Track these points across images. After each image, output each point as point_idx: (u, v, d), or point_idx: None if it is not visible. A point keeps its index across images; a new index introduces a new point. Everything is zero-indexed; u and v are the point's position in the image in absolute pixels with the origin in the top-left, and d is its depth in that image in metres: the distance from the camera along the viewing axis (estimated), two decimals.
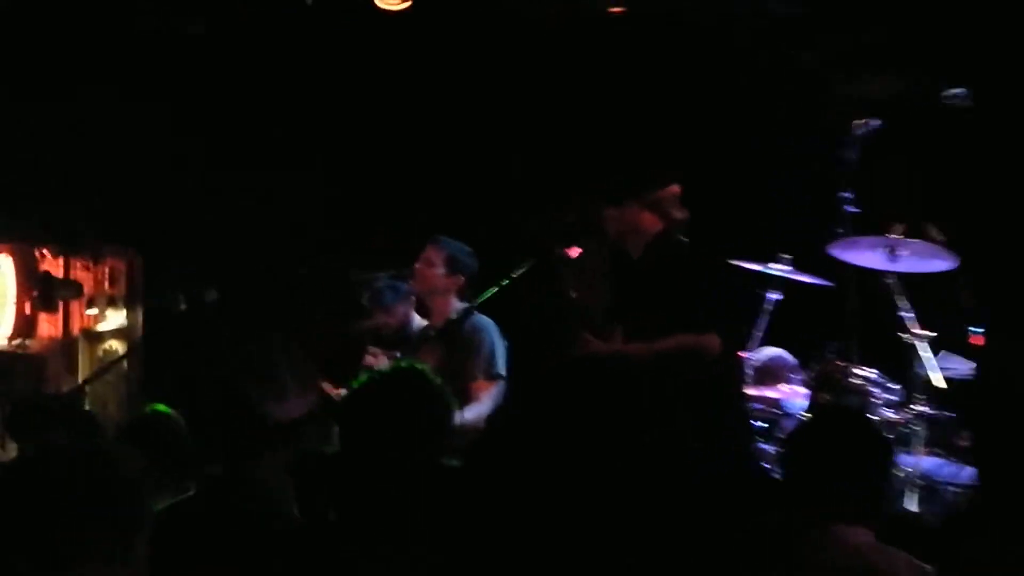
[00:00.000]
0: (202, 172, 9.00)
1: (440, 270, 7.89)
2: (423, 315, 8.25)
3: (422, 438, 4.31)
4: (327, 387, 7.42)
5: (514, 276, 6.87)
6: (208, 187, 9.10)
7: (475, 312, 7.56)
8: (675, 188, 6.71)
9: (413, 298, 8.28)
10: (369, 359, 8.11)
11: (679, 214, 6.72)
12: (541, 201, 7.48)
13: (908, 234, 7.62)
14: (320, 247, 9.23)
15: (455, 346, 7.69)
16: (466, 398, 7.52)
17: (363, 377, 4.43)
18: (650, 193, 6.77)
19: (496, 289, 7.00)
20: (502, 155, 8.98)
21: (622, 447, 4.24)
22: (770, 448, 7.52)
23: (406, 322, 8.19)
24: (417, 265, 7.92)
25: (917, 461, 7.28)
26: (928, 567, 4.59)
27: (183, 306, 7.20)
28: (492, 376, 7.72)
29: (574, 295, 6.93)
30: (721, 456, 6.14)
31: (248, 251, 9.14)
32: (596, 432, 4.20)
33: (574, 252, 6.92)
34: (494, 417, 7.24)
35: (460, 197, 9.44)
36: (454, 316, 7.75)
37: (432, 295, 7.96)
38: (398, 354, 7.98)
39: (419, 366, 4.53)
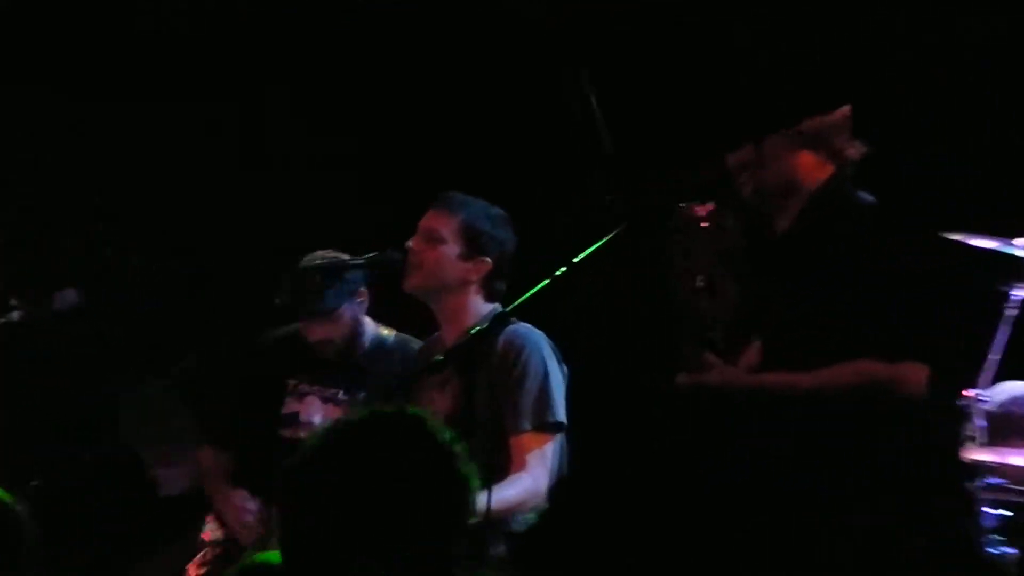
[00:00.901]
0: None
1: (452, 248, 5.12)
2: (414, 325, 5.49)
3: (419, 540, 3.11)
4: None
5: (583, 259, 4.47)
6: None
7: (513, 320, 4.97)
8: (846, 110, 4.65)
9: (365, 295, 5.70)
10: (291, 403, 5.64)
11: (853, 151, 4.61)
12: (628, 145, 4.80)
13: None
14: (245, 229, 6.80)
15: (480, 377, 4.96)
16: (501, 465, 4.89)
17: (312, 438, 3.18)
18: (809, 120, 4.61)
19: (550, 281, 4.50)
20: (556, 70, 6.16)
21: (766, 550, 3.41)
22: (1013, 553, 5.25)
23: (354, 335, 5.65)
24: (411, 242, 5.16)
25: None
26: None
27: (16, 315, 4.70)
28: (545, 425, 4.98)
29: (692, 287, 4.51)
30: (930, 568, 4.38)
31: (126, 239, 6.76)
32: (723, 526, 3.42)
33: (702, 212, 4.53)
34: (554, 496, 4.82)
35: (491, 138, 6.67)
36: (477, 327, 4.88)
37: (438, 292, 5.15)
38: (340, 393, 5.60)
39: (413, 413, 3.20)
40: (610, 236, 4.49)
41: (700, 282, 4.55)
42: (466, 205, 5.17)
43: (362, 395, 5.54)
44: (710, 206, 4.53)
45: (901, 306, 4.44)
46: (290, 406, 5.66)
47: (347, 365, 5.64)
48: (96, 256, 5.53)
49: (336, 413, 5.55)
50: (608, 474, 4.25)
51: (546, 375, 4.99)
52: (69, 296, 5.04)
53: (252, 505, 5.46)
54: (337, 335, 5.62)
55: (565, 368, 5.09)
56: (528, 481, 4.90)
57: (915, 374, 4.42)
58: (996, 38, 6.03)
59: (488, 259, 5.13)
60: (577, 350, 5.14)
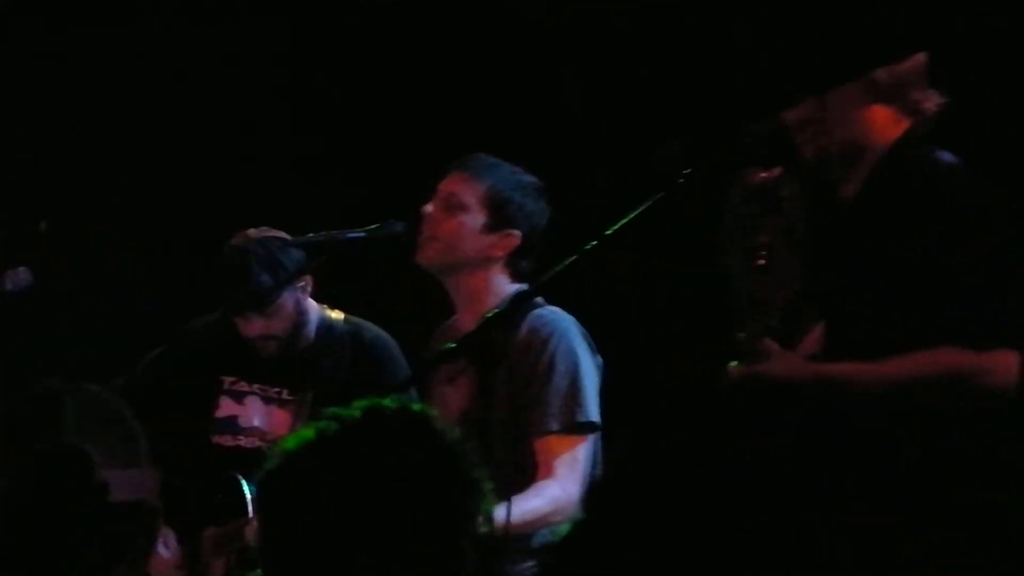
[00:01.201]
0: None
1: (476, 218, 4.44)
2: (433, 307, 4.62)
3: (421, 554, 2.75)
4: None
5: (618, 231, 3.77)
6: None
7: (538, 302, 4.36)
8: (921, 57, 4.02)
9: (308, 280, 4.96)
10: (229, 405, 4.92)
11: (931, 104, 3.99)
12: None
13: None
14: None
15: (501, 368, 4.27)
16: (522, 472, 4.25)
17: (295, 438, 2.76)
18: (882, 68, 3.97)
19: (580, 256, 3.79)
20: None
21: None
22: None
23: (297, 327, 4.93)
24: (429, 207, 4.47)
25: None
26: None
27: None
28: (576, 426, 4.33)
29: (752, 266, 3.91)
30: None
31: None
32: (788, 540, 2.54)
33: (768, 178, 3.92)
34: (590, 504, 3.93)
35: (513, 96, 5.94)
36: (498, 309, 4.23)
37: (455, 269, 4.47)
38: (285, 392, 4.91)
39: (417, 409, 2.78)
40: (649, 204, 3.84)
41: (761, 259, 3.93)
42: (494, 169, 4.48)
43: (310, 394, 4.84)
44: (778, 171, 3.89)
45: (988, 285, 3.81)
46: (226, 408, 4.95)
47: (291, 359, 4.92)
48: (51, 231, 4.88)
49: (282, 416, 4.86)
50: (647, 480, 3.66)
51: (577, 367, 4.34)
52: (22, 275, 4.41)
53: (166, 549, 4.74)
54: (277, 330, 4.89)
55: (599, 359, 4.42)
56: (556, 490, 4.27)
57: (1005, 363, 3.77)
58: None
59: (516, 233, 4.45)
60: (612, 338, 4.45)
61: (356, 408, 2.84)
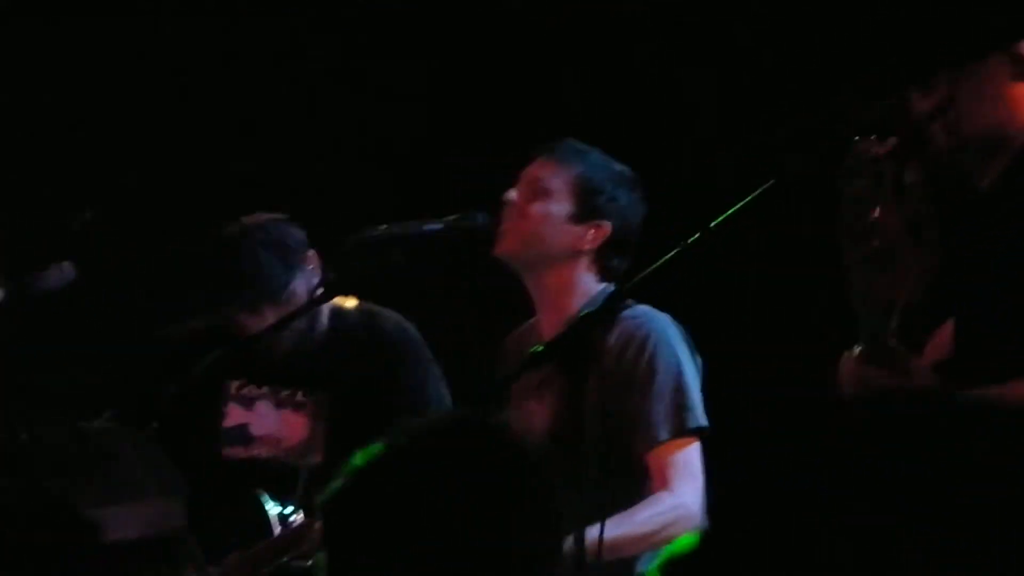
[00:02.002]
0: None
1: (563, 206, 4.05)
2: (503, 311, 4.26)
3: None
4: None
5: (721, 224, 3.36)
6: None
7: (630, 302, 3.95)
8: None
9: (314, 259, 4.47)
10: (237, 413, 4.45)
11: None
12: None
13: None
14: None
15: (592, 377, 3.77)
16: (626, 492, 3.89)
17: (370, 450, 2.54)
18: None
19: (679, 251, 3.41)
20: None
21: None
22: None
23: (312, 318, 4.43)
24: (512, 194, 4.07)
25: None
26: None
27: None
28: (686, 431, 3.97)
29: (866, 253, 3.44)
30: None
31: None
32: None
33: (883, 151, 3.39)
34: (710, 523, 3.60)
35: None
36: (587, 311, 3.85)
37: (539, 262, 4.06)
38: (300, 394, 4.45)
39: (494, 421, 2.59)
40: (756, 194, 3.41)
41: (875, 242, 3.51)
42: (584, 155, 4.09)
43: (327, 391, 4.40)
44: (890, 144, 3.45)
45: None
46: (234, 416, 4.47)
47: (303, 356, 4.44)
48: (93, 226, 4.52)
49: (297, 420, 4.42)
50: (754, 501, 3.28)
51: (680, 370, 3.97)
52: (65, 271, 4.06)
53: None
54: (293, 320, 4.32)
55: (699, 360, 4.06)
56: (672, 499, 3.91)
57: None
58: None
59: (607, 224, 4.05)
60: (712, 340, 4.07)
61: (428, 420, 2.67)
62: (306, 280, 4.39)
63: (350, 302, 4.48)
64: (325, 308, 4.43)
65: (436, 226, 4.14)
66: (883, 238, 3.54)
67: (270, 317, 4.29)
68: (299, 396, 4.44)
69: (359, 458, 2.60)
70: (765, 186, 3.36)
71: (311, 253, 4.41)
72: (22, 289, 4.01)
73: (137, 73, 5.94)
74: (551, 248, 4.02)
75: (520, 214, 4.02)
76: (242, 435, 4.42)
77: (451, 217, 4.13)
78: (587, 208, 4.04)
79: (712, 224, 3.36)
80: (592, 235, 4.03)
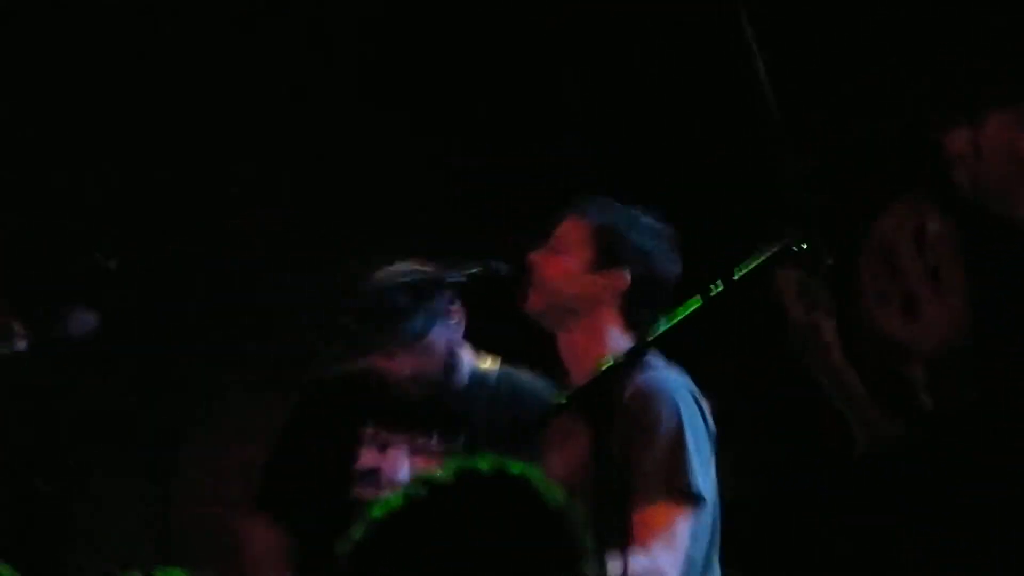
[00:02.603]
0: None
1: (580, 257, 4.00)
2: (542, 361, 4.20)
3: None
4: None
5: (749, 273, 3.32)
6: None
7: (656, 363, 3.89)
8: None
9: (460, 314, 4.48)
10: (368, 456, 4.44)
11: None
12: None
13: None
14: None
15: (607, 428, 3.77)
16: (628, 536, 3.73)
17: (382, 505, 2.53)
18: None
19: (702, 303, 3.37)
20: None
21: None
22: None
23: (449, 368, 4.44)
24: (537, 254, 4.04)
25: None
26: None
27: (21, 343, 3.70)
28: (677, 494, 3.81)
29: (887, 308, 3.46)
30: None
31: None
32: None
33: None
34: None
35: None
36: (608, 363, 3.69)
37: (563, 315, 4.00)
38: (433, 441, 4.42)
39: (517, 470, 2.50)
40: (782, 246, 3.36)
41: (896, 301, 3.47)
42: (607, 208, 4.03)
43: (461, 440, 4.39)
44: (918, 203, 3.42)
45: None
46: (367, 459, 4.45)
47: (439, 405, 4.44)
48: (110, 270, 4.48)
49: (430, 466, 4.29)
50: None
51: (680, 430, 3.83)
52: (86, 319, 4.02)
53: None
54: (428, 369, 4.39)
55: (711, 426, 3.92)
56: (645, 562, 3.73)
57: None
58: None
59: (626, 272, 3.96)
60: (737, 396, 3.98)
61: (448, 471, 2.57)
62: (447, 333, 4.40)
63: (490, 362, 4.52)
64: (467, 362, 4.47)
65: (457, 277, 4.13)
66: (905, 284, 3.52)
67: (406, 362, 4.34)
68: (434, 442, 4.44)
69: (377, 509, 2.57)
70: (789, 240, 3.31)
71: (456, 307, 4.41)
72: (45, 335, 3.96)
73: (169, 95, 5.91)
74: (571, 300, 3.95)
75: (539, 271, 3.97)
76: (374, 478, 4.41)
77: (471, 268, 4.12)
78: (605, 256, 3.96)
79: (736, 275, 3.32)
80: (611, 282, 3.95)
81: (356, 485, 4.42)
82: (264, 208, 5.82)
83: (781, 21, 4.84)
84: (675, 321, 3.41)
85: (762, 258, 3.31)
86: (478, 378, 4.48)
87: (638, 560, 3.69)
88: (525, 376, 4.46)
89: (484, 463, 2.57)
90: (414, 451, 4.43)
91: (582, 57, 5.67)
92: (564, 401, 3.71)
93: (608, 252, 3.97)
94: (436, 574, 2.49)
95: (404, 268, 4.34)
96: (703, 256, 3.66)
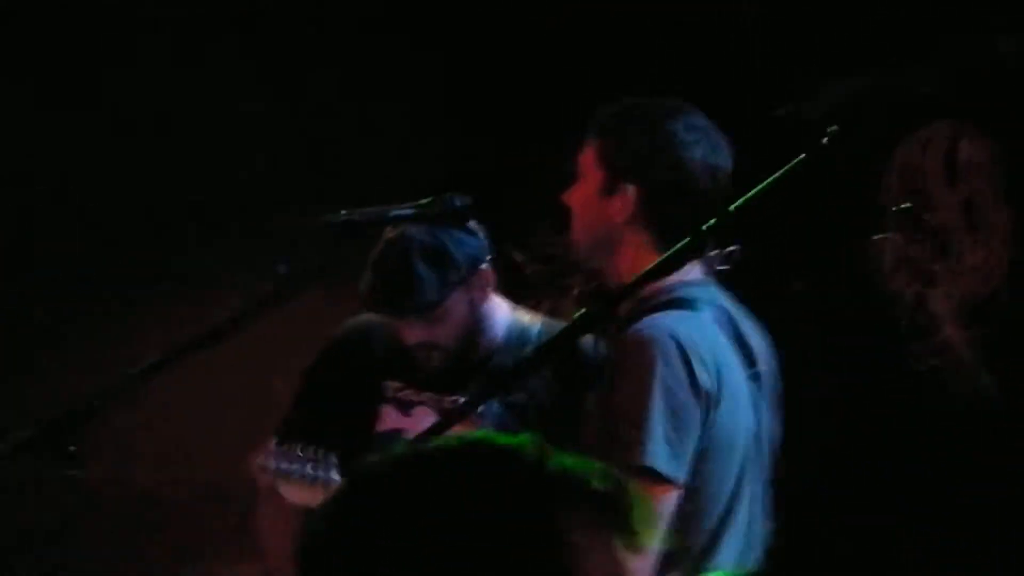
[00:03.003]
0: None
1: (590, 183, 3.56)
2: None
3: None
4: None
5: (744, 204, 2.77)
6: None
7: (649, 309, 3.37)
8: None
9: (487, 276, 4.10)
10: (393, 417, 4.00)
11: None
12: None
13: None
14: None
15: (582, 386, 3.42)
16: None
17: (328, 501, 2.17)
18: None
19: (694, 238, 2.87)
20: None
21: None
22: None
23: (472, 335, 4.05)
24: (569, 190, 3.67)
25: None
26: None
27: None
28: (634, 470, 3.28)
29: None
30: None
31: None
32: None
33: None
34: None
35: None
36: (579, 313, 3.07)
37: (593, 251, 3.58)
38: (464, 400, 3.89)
39: (501, 441, 2.09)
40: (784, 172, 2.85)
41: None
42: (609, 119, 3.55)
43: (495, 404, 3.95)
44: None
45: None
46: (390, 420, 4.08)
47: (462, 370, 4.03)
48: None
49: (460, 430, 3.95)
50: None
51: (644, 392, 3.30)
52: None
53: None
54: (441, 339, 4.01)
55: (706, 383, 3.37)
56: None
57: None
58: None
59: (631, 188, 3.46)
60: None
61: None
62: (468, 297, 4.00)
63: (533, 317, 4.11)
64: (501, 321, 4.07)
65: (405, 211, 3.60)
66: (936, 219, 3.02)
67: (417, 330, 3.98)
68: (463, 402, 3.95)
69: (328, 505, 2.21)
70: (794, 162, 2.79)
71: (483, 268, 4.01)
72: None
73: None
74: (594, 234, 3.50)
75: (569, 208, 3.56)
76: (396, 442, 3.92)
77: (423, 201, 3.59)
78: (611, 177, 3.49)
79: (732, 207, 2.80)
80: (620, 205, 3.47)
81: (377, 449, 3.93)
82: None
83: None
84: (665, 259, 2.88)
85: (757, 190, 2.80)
86: (518, 336, 4.05)
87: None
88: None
89: (455, 439, 2.25)
90: (444, 413, 3.99)
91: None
92: (529, 356, 3.22)
93: (612, 172, 3.48)
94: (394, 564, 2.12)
95: (431, 229, 3.96)
96: None
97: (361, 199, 3.87)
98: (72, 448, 3.72)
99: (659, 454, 3.25)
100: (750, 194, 2.78)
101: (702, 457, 3.30)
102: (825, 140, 2.79)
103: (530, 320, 4.08)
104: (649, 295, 3.32)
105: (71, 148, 5.51)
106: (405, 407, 4.06)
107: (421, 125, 5.45)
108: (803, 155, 2.74)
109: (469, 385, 3.98)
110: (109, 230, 5.47)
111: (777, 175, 2.73)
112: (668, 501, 3.27)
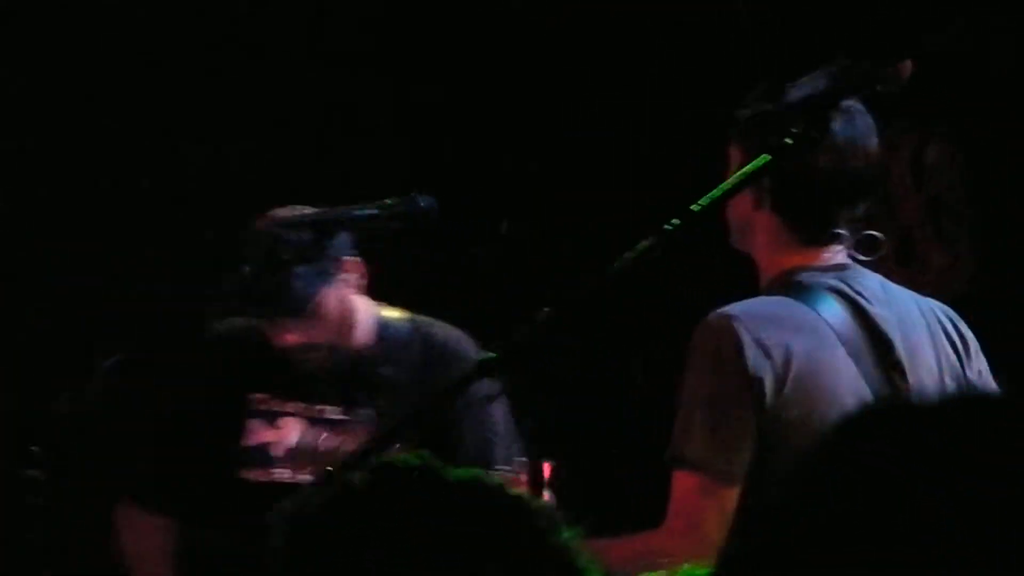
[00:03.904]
0: None
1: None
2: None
3: None
4: None
5: (710, 204, 2.78)
6: None
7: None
8: None
9: (357, 266, 3.90)
10: (261, 431, 3.87)
11: None
12: None
13: None
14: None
15: None
16: None
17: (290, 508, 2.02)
18: None
19: (654, 243, 2.79)
20: None
21: None
22: None
23: (344, 330, 3.85)
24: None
25: None
26: None
27: None
28: (677, 461, 3.20)
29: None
30: None
31: None
32: None
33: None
34: None
35: None
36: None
37: (742, 241, 3.33)
38: (334, 410, 3.84)
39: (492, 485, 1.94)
40: (747, 172, 2.81)
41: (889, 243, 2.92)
42: (753, 118, 3.22)
43: (367, 411, 3.81)
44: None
45: None
46: (257, 434, 3.88)
47: (337, 373, 3.85)
48: None
49: (331, 441, 3.84)
50: None
51: (700, 379, 3.20)
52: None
53: None
54: (319, 338, 3.80)
55: (780, 369, 3.18)
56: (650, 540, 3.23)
57: None
58: None
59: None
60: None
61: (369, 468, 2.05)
62: (339, 292, 3.80)
63: (397, 313, 3.93)
64: (366, 318, 3.90)
65: (369, 211, 3.53)
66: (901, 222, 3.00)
67: (292, 330, 3.76)
68: (335, 413, 3.87)
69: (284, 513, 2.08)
70: (757, 162, 2.77)
71: (351, 260, 3.83)
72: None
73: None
74: (739, 230, 3.28)
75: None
76: (263, 456, 3.86)
77: (387, 201, 3.53)
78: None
79: (695, 207, 2.77)
80: (755, 196, 3.19)
81: (244, 465, 3.87)
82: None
83: None
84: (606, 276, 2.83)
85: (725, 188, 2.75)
86: (385, 334, 3.91)
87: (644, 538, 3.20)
88: (441, 326, 3.91)
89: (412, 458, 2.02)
90: (312, 423, 3.87)
91: None
92: (493, 357, 3.15)
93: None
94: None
95: (287, 214, 3.77)
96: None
97: (328, 199, 3.83)
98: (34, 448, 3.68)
99: (692, 443, 3.18)
100: (713, 193, 2.76)
101: (765, 444, 3.20)
102: (789, 140, 2.79)
103: (395, 315, 3.94)
104: (768, 284, 3.23)
105: (69, 147, 5.49)
106: (271, 418, 3.92)
107: (388, 125, 5.42)
108: (766, 156, 2.73)
109: (350, 391, 3.87)
110: (100, 228, 5.44)
111: (740, 174, 2.71)
112: (697, 488, 3.17)
